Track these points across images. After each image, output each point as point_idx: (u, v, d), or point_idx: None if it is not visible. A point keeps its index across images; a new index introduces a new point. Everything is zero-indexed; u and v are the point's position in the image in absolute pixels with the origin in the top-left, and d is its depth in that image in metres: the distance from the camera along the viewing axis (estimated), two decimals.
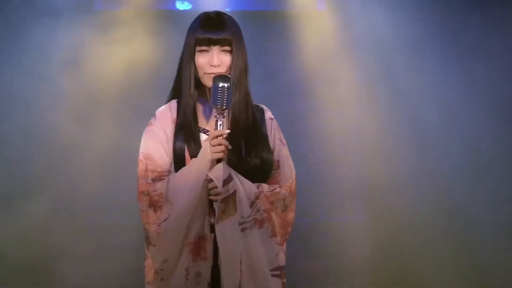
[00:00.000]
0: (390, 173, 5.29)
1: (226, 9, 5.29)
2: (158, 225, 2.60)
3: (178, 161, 2.68)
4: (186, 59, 2.69)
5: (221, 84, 2.51)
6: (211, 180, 2.51)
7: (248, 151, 2.65)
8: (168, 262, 2.58)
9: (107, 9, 5.24)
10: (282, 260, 2.67)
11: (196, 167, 2.58)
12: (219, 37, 2.65)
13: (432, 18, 5.26)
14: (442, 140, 5.29)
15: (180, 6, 5.31)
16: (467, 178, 5.25)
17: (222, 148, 2.52)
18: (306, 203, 5.31)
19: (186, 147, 2.66)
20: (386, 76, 5.30)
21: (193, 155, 2.63)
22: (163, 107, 2.76)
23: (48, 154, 5.09)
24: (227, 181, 2.53)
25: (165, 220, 2.59)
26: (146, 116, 2.82)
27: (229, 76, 2.59)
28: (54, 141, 5.06)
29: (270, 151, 2.71)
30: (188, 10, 5.28)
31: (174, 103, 2.75)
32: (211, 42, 2.65)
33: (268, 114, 2.80)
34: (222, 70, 2.64)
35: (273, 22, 5.39)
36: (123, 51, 5.14)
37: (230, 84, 2.52)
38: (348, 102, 5.36)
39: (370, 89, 5.33)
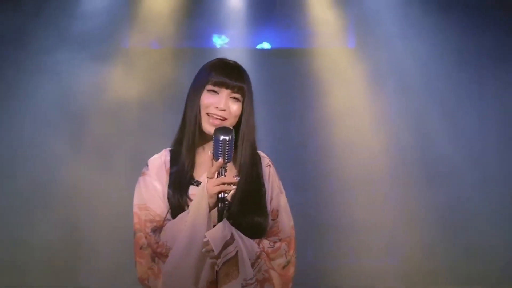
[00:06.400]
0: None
1: (258, 46, 5.33)
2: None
3: (176, 213, 2.47)
4: (192, 100, 2.52)
5: (222, 137, 2.35)
6: (209, 242, 2.34)
7: (251, 206, 2.48)
8: None
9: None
10: None
11: (194, 208, 2.39)
12: (235, 83, 2.49)
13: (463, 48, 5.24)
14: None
15: (218, 41, 5.30)
16: None
17: (220, 184, 2.34)
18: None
19: (180, 198, 2.48)
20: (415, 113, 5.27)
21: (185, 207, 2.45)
22: (156, 156, 2.56)
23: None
24: (228, 242, 2.36)
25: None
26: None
27: (231, 128, 2.40)
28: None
29: (266, 207, 2.53)
30: (223, 48, 5.27)
31: (167, 152, 2.57)
32: (223, 85, 2.49)
33: (266, 161, 2.60)
34: (226, 115, 2.49)
35: (302, 59, 5.38)
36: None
37: (231, 137, 2.35)
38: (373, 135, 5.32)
39: (396, 123, 5.30)
